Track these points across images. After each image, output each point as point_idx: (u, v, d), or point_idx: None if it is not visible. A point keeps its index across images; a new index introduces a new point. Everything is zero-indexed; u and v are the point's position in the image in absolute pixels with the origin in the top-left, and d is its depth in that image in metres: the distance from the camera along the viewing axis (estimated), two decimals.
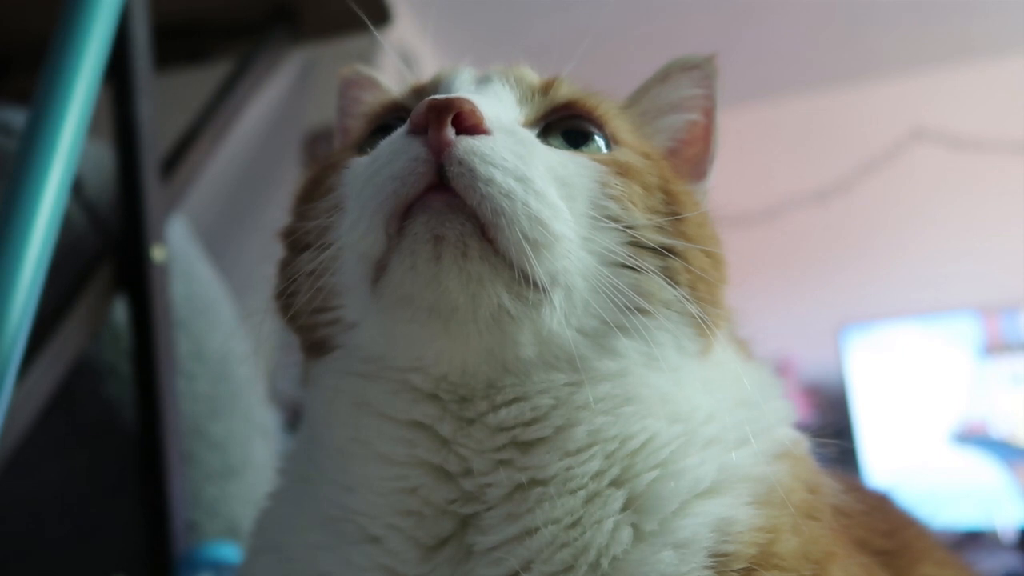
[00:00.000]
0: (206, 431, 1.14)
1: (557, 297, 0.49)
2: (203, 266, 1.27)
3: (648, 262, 0.51)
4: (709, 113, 0.64)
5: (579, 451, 0.50)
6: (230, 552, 1.02)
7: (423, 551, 0.51)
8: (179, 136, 1.51)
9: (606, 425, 0.51)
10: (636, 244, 0.52)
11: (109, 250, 1.09)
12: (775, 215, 3.33)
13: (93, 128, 0.72)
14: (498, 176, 0.46)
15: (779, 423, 0.56)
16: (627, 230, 0.52)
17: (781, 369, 2.80)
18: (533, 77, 0.60)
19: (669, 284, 0.52)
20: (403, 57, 2.76)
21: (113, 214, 1.12)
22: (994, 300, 2.92)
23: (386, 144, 0.50)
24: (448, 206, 0.46)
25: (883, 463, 2.81)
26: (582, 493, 0.49)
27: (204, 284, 1.24)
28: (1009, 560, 2.51)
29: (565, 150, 0.54)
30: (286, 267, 0.58)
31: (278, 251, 0.62)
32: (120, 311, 1.10)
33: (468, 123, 0.47)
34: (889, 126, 3.36)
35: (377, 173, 0.49)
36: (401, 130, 0.50)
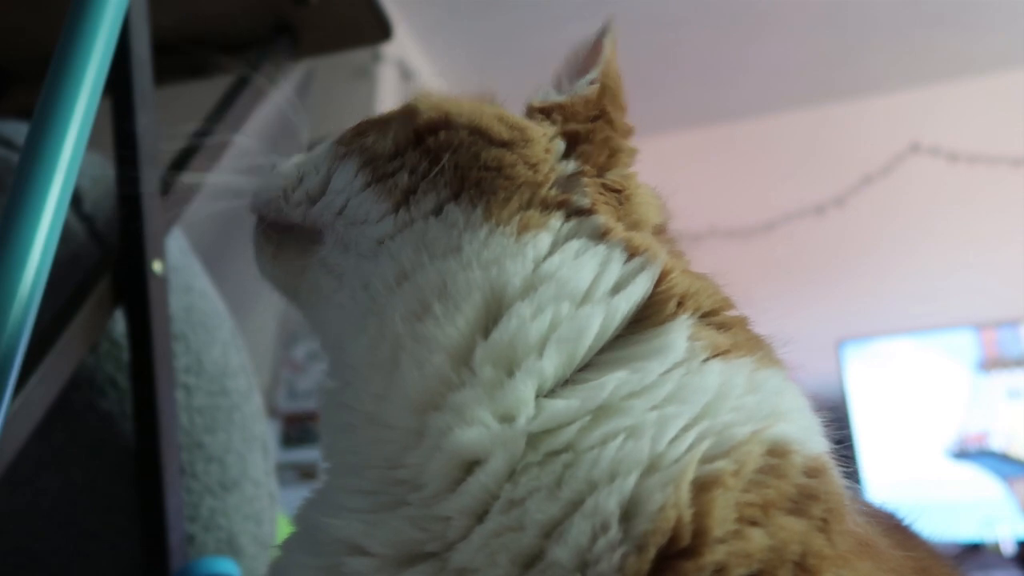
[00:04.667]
0: (204, 444, 1.14)
1: None
2: (202, 279, 1.27)
3: None
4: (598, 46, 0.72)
5: None
6: (227, 567, 1.01)
7: None
8: (179, 150, 1.51)
9: None
10: None
11: (108, 262, 1.09)
12: (774, 229, 3.34)
13: (91, 140, 0.72)
14: None
15: (749, 420, 0.50)
16: None
17: None
18: None
19: None
20: (402, 71, 2.77)
21: (112, 226, 1.12)
22: (991, 315, 2.92)
23: None
24: None
25: (882, 477, 2.81)
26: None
27: (203, 297, 1.24)
28: (1008, 574, 2.50)
29: None
30: None
31: None
32: (119, 323, 1.10)
33: None
34: (887, 141, 3.37)
35: None
36: None
